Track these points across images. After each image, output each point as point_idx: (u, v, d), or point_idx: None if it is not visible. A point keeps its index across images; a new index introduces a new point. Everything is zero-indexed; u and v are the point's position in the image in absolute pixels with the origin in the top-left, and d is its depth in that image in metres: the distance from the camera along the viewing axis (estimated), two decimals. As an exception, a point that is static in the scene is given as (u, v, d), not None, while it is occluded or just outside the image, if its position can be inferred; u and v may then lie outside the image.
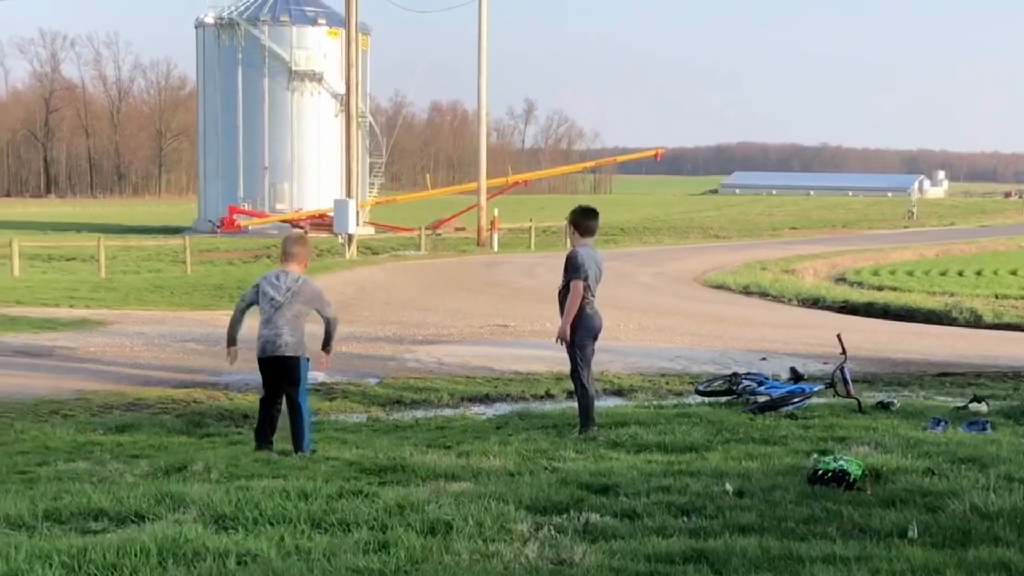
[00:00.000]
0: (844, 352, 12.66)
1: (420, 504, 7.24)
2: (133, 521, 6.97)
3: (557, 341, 11.01)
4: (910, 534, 6.74)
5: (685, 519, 7.12)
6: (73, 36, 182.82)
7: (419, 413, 13.24)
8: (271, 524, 6.80)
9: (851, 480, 7.88)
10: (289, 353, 10.06)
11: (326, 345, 10.45)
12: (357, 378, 15.29)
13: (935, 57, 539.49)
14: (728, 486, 7.84)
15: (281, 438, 10.29)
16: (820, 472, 7.98)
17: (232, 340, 10.42)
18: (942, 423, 11.18)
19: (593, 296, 10.96)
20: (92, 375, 15.04)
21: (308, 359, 10.28)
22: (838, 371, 12.53)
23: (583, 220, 11.10)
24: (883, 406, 12.30)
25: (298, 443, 10.06)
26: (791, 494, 7.68)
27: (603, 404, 12.60)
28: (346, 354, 17.29)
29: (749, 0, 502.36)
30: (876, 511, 7.24)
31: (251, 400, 13.23)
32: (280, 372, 10.15)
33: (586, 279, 10.83)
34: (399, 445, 10.18)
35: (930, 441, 9.92)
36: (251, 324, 10.42)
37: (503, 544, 6.41)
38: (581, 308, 10.82)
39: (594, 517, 7.09)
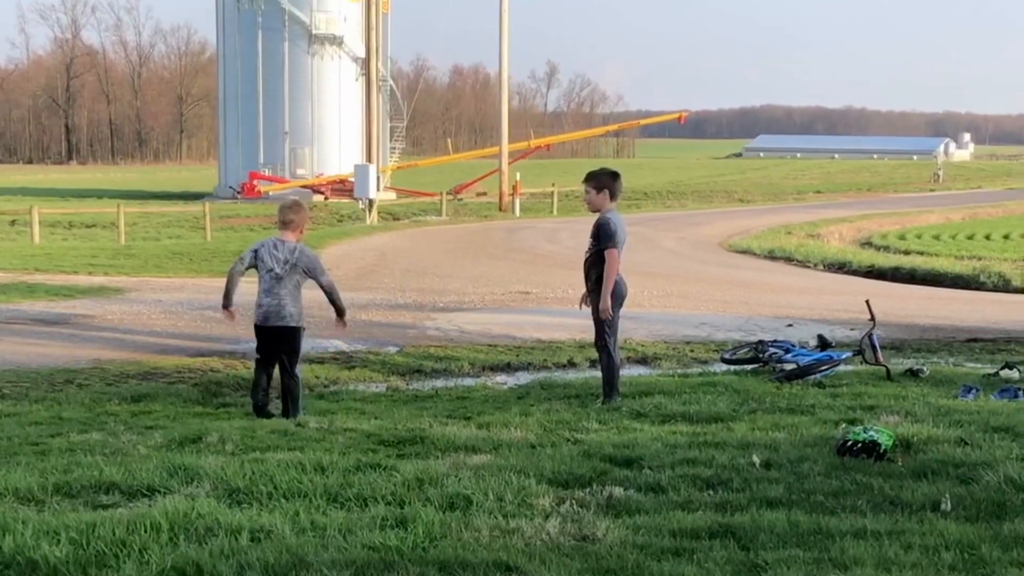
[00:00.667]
0: (872, 319, 12.42)
1: (439, 478, 7.05)
2: (145, 495, 6.80)
3: (601, 315, 10.65)
4: (943, 507, 6.53)
5: (711, 493, 6.92)
6: (94, 2, 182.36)
7: (439, 383, 13.05)
8: (286, 499, 6.63)
9: (881, 451, 7.66)
10: (292, 324, 10.42)
11: (339, 313, 10.67)
12: (376, 346, 15.11)
13: (961, 18, 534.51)
14: (755, 458, 7.62)
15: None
16: (849, 443, 7.75)
17: (229, 301, 10.56)
18: (973, 391, 10.93)
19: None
20: (109, 343, 14.90)
21: (304, 328, 10.59)
22: (866, 338, 12.29)
23: (616, 184, 10.74)
24: (912, 373, 12.06)
25: (290, 410, 10.36)
26: (820, 466, 7.47)
27: (627, 373, 12.38)
28: (365, 322, 17.13)
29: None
30: (907, 483, 7.03)
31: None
32: (279, 341, 10.47)
33: (619, 246, 10.56)
34: (418, 416, 9.99)
35: (961, 409, 9.68)
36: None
37: (524, 520, 6.22)
38: None
39: (617, 491, 6.90)
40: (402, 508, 6.41)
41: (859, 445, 7.69)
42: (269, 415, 10.36)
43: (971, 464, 7.39)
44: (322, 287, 10.49)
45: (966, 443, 8.09)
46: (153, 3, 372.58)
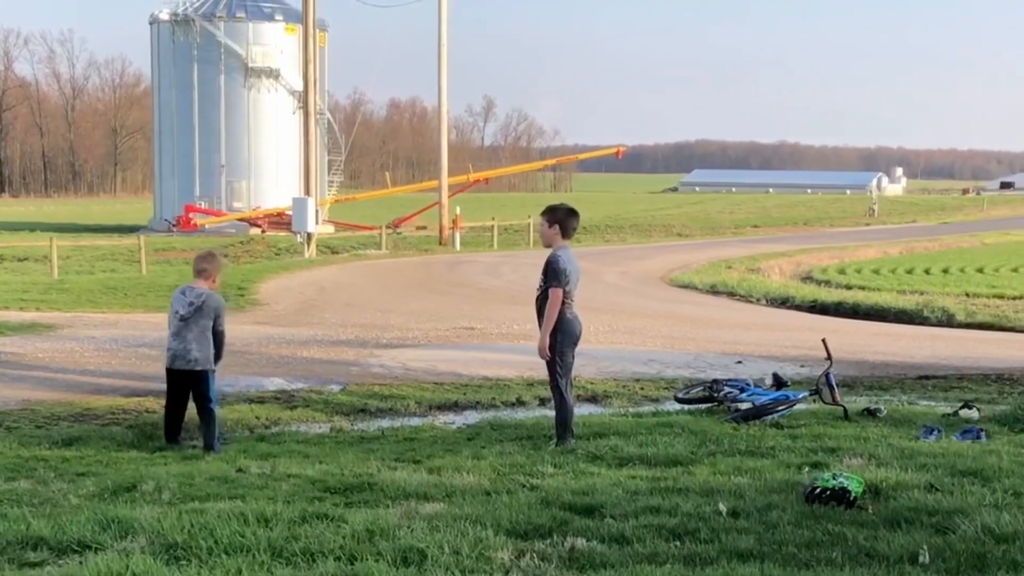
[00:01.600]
0: (829, 357, 12.12)
1: (391, 529, 6.66)
2: (75, 551, 6.35)
3: (539, 354, 10.39)
4: (921, 559, 6.24)
5: (678, 544, 6.58)
6: (26, 33, 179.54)
7: (385, 423, 12.58)
8: (227, 554, 6.20)
9: (851, 498, 7.37)
10: (198, 368, 10.71)
11: (216, 359, 10.93)
12: (319, 385, 14.64)
13: (892, 54, 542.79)
14: (721, 506, 7.29)
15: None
16: (818, 490, 7.46)
17: None
18: (935, 431, 10.68)
19: (572, 300, 10.38)
20: (39, 383, 14.30)
21: (214, 371, 10.90)
22: (823, 377, 12.01)
23: (569, 221, 10.48)
24: (870, 413, 11.80)
25: (209, 444, 10.64)
26: (789, 514, 7.16)
27: (578, 412, 12.00)
28: (307, 359, 16.68)
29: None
30: (882, 533, 6.74)
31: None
32: (188, 383, 10.78)
33: (567, 285, 10.25)
34: (365, 459, 9.56)
35: (926, 452, 9.43)
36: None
37: (483, 575, 5.85)
38: (561, 313, 10.23)
39: (580, 543, 6.54)
40: (352, 564, 6.03)
41: (828, 492, 7.40)
42: (182, 446, 10.81)
43: (945, 512, 7.13)
44: (214, 333, 10.79)
45: (936, 489, 7.83)
46: (87, 35, 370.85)
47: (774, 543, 6.56)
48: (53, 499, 7.87)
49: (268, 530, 6.63)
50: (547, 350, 10.27)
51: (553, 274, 10.22)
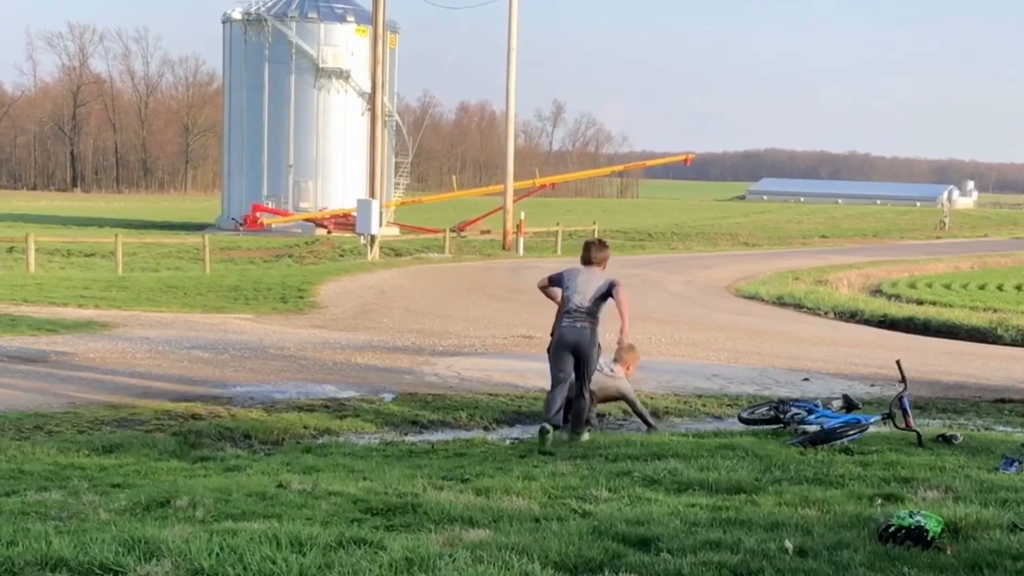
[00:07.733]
0: (904, 380, 11.54)
1: (431, 559, 6.21)
2: (96, 574, 5.96)
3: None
4: (1006, 610, 5.70)
5: (740, 585, 6.08)
6: (102, 30, 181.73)
7: (436, 436, 12.16)
8: (255, 583, 5.79)
9: (929, 538, 6.83)
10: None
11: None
12: (371, 393, 14.23)
13: (965, 66, 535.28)
14: (788, 544, 6.77)
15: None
16: (892, 528, 6.92)
17: None
18: (1015, 463, 10.04)
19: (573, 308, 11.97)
20: (87, 385, 14.02)
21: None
22: (897, 400, 11.42)
23: (583, 253, 12.80)
24: (945, 439, 11.17)
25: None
26: (861, 555, 6.62)
27: (637, 429, 11.55)
28: (361, 365, 16.31)
29: (778, 7, 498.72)
30: (962, 580, 6.20)
31: (254, 417, 12.27)
32: None
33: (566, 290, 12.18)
34: (411, 477, 9.13)
35: (1006, 486, 8.84)
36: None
37: (526, 616, 5.40)
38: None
39: (633, 580, 6.07)
40: (387, 599, 5.59)
41: (904, 531, 6.86)
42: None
43: (1030, 556, 6.56)
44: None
45: (1020, 529, 7.25)
46: (162, 33, 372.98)
47: (844, 587, 6.05)
48: (82, 513, 7.50)
49: (301, 556, 6.20)
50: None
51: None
